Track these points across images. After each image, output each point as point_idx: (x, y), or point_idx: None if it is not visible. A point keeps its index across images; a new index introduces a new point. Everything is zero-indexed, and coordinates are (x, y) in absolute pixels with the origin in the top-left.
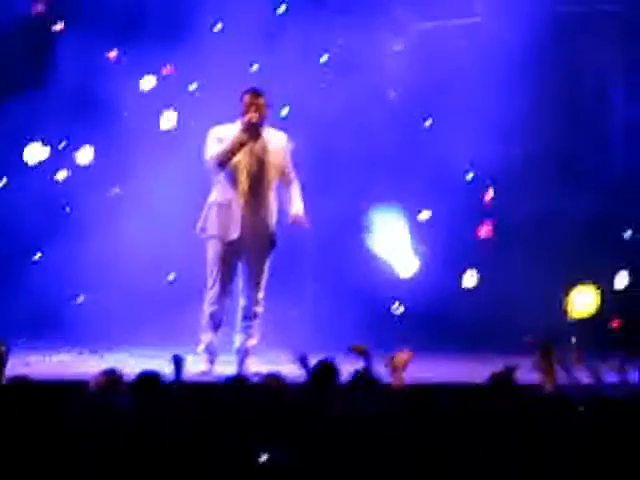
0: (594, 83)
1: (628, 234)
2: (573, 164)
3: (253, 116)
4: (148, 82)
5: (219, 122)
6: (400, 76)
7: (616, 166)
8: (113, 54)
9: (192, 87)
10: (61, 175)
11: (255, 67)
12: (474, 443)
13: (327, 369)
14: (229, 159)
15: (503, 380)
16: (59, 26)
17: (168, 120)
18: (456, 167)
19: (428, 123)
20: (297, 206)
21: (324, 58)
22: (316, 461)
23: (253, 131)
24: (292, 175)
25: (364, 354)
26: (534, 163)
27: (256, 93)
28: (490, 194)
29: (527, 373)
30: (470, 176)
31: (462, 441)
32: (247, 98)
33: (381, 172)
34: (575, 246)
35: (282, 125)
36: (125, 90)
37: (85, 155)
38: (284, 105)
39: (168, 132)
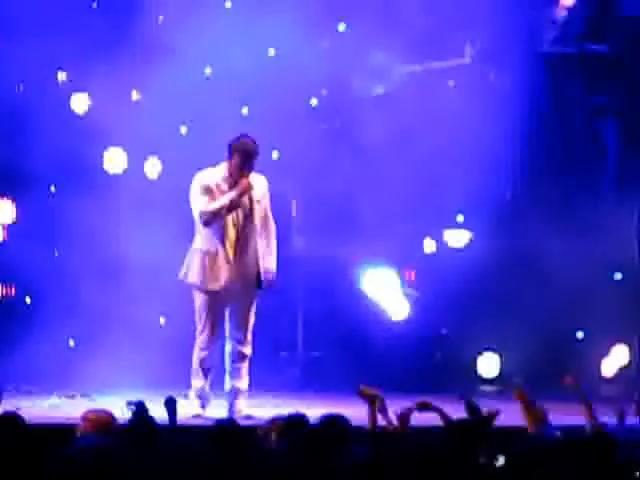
0: (586, 126)
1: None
2: (563, 207)
3: (250, 185)
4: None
5: (202, 167)
6: (385, 119)
7: (607, 209)
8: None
9: (183, 130)
10: None
11: (245, 110)
12: None
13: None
14: (219, 220)
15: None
16: None
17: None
18: (447, 209)
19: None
20: (269, 262)
21: (314, 101)
22: None
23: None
24: (270, 221)
25: (372, 398)
26: (523, 205)
27: (257, 152)
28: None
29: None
30: (461, 219)
31: None
32: (247, 157)
33: (372, 215)
34: (565, 288)
35: (272, 168)
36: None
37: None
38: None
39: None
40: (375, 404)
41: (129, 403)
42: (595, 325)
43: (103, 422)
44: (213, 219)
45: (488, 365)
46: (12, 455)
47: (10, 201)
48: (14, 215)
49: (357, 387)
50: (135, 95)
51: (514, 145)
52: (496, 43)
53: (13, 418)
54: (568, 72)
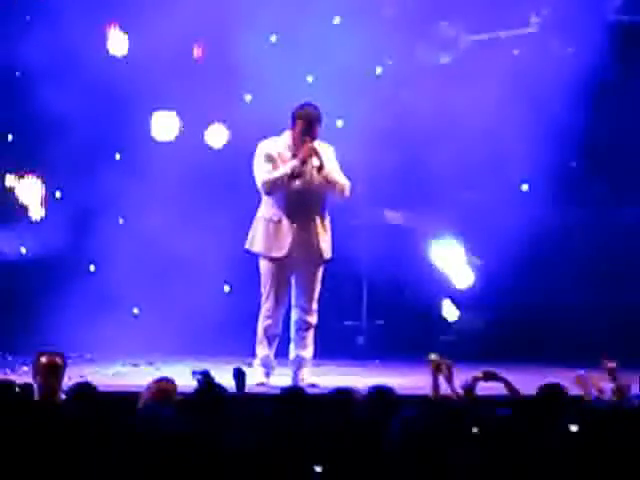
0: None
1: None
2: (629, 176)
3: (313, 153)
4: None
5: (268, 135)
6: (450, 89)
7: None
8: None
9: (248, 98)
10: None
11: (310, 78)
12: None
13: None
14: (281, 189)
15: (553, 393)
16: None
17: (217, 136)
18: (510, 178)
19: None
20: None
21: (379, 70)
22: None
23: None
24: (338, 185)
25: (439, 367)
26: (589, 175)
27: (319, 119)
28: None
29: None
30: (525, 187)
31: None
32: (309, 123)
33: (435, 184)
34: (627, 256)
35: (336, 136)
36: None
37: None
38: (339, 117)
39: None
40: (441, 372)
41: (194, 373)
42: None
43: (165, 392)
44: (275, 188)
45: None
46: (86, 424)
47: (39, 179)
48: (42, 193)
49: (427, 355)
50: (196, 52)
51: (580, 114)
52: (562, 12)
53: (88, 388)
54: (635, 40)
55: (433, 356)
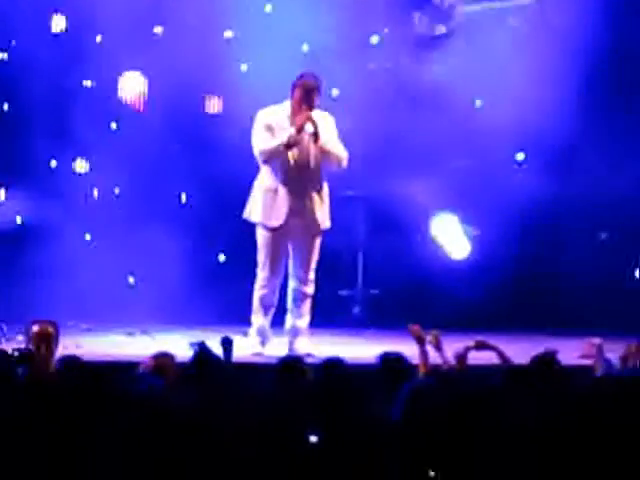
0: None
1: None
2: (623, 145)
3: (308, 121)
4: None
5: (267, 104)
6: (447, 59)
7: None
8: None
9: (243, 67)
10: None
11: (305, 47)
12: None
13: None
14: (278, 158)
15: (546, 362)
16: None
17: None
18: (506, 147)
19: (479, 103)
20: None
21: (375, 39)
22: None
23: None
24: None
25: (420, 339)
26: (583, 146)
27: (316, 87)
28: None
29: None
30: (521, 156)
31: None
32: (306, 92)
33: (431, 153)
34: (629, 228)
35: (331, 105)
36: None
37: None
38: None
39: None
40: (423, 343)
41: (192, 344)
42: None
43: (162, 366)
44: (271, 157)
45: None
46: (74, 396)
47: None
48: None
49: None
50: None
51: (576, 84)
52: None
53: (75, 360)
54: (630, 10)
55: (411, 326)
